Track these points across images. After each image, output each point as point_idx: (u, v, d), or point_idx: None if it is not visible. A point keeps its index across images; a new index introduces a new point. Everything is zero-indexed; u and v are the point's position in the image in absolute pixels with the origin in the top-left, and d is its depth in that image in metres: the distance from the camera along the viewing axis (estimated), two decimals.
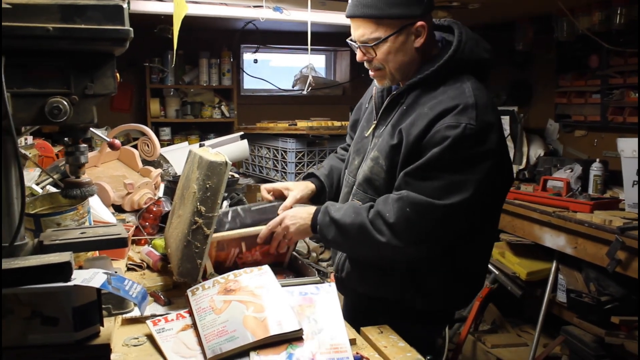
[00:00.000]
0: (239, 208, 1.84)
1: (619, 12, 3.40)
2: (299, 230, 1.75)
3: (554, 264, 3.45)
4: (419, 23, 1.63)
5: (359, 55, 1.72)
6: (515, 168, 4.21)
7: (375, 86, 1.84)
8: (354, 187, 1.80)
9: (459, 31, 1.68)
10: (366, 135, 1.83)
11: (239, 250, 1.78)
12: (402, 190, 1.59)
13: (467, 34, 1.68)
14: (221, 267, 1.76)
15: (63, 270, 1.06)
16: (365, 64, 1.74)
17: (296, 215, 1.76)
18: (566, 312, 3.38)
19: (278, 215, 1.80)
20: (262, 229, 1.76)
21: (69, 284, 1.06)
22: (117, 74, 1.23)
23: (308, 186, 1.98)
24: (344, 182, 1.92)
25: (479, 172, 1.54)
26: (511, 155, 4.21)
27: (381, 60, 1.68)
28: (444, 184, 1.54)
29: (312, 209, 1.76)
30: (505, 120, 4.33)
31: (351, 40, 1.72)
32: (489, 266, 3.66)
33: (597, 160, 3.54)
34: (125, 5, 1.17)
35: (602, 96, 3.92)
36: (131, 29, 1.17)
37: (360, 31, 1.66)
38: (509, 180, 1.76)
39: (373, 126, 1.79)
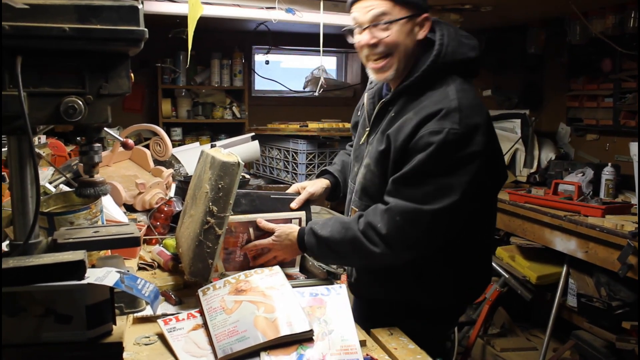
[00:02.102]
0: (258, 193, 1.85)
1: (632, 15, 3.38)
2: (287, 256, 1.81)
3: (565, 268, 3.43)
4: (424, 15, 1.66)
5: (366, 38, 1.66)
6: (526, 171, 4.20)
7: (366, 94, 1.85)
8: (353, 194, 1.82)
9: (440, 33, 1.67)
10: (361, 142, 1.84)
11: (247, 237, 1.78)
12: (391, 197, 1.60)
13: (449, 34, 1.67)
14: (230, 258, 1.78)
15: (77, 269, 1.07)
16: (366, 53, 1.70)
17: (282, 243, 1.77)
18: (576, 317, 3.36)
19: (290, 209, 1.83)
20: (252, 243, 1.78)
21: (82, 282, 1.07)
22: (132, 74, 1.24)
23: (322, 183, 1.99)
24: (348, 189, 1.93)
25: (465, 175, 1.54)
26: (522, 158, 4.20)
27: (391, 43, 1.65)
28: (431, 190, 1.55)
29: (294, 233, 1.76)
30: (517, 124, 4.32)
31: (353, 25, 1.71)
32: (499, 269, 3.65)
33: (609, 164, 3.52)
34: (140, 6, 1.18)
35: (614, 100, 3.90)
36: (146, 29, 1.17)
37: (373, 11, 1.63)
38: (501, 179, 1.78)
39: (366, 133, 1.80)
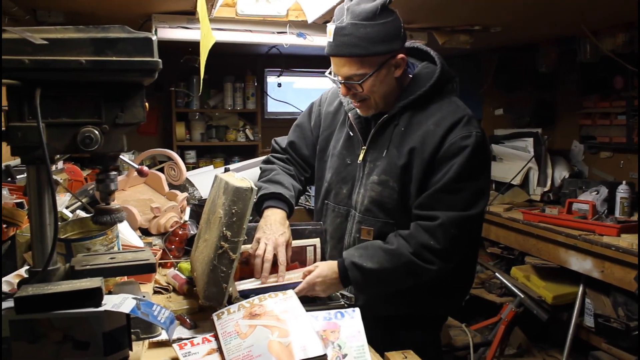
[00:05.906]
0: None
1: None
2: (331, 291, 1.73)
3: (581, 288, 3.40)
4: (400, 56, 1.71)
5: (343, 91, 1.75)
6: (539, 190, 4.19)
7: (350, 113, 1.86)
8: (358, 214, 1.81)
9: (434, 52, 1.80)
10: (349, 162, 1.85)
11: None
12: (437, 211, 1.64)
13: (439, 55, 1.79)
14: None
15: (94, 296, 1.09)
16: (349, 97, 1.78)
17: (325, 280, 1.70)
18: (594, 337, 3.32)
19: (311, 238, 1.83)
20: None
21: (99, 309, 1.08)
22: (147, 103, 1.27)
23: (284, 223, 1.82)
24: (331, 213, 1.91)
25: (488, 177, 1.72)
26: (535, 177, 4.19)
27: (366, 94, 1.73)
28: (471, 194, 1.64)
29: (335, 267, 1.71)
30: (529, 142, 4.31)
31: (330, 75, 1.77)
32: (514, 289, 3.63)
33: (624, 182, 3.49)
34: (154, 38, 1.21)
35: (627, 117, 3.88)
36: (160, 60, 1.20)
37: (345, 69, 1.69)
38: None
39: (363, 152, 1.81)
